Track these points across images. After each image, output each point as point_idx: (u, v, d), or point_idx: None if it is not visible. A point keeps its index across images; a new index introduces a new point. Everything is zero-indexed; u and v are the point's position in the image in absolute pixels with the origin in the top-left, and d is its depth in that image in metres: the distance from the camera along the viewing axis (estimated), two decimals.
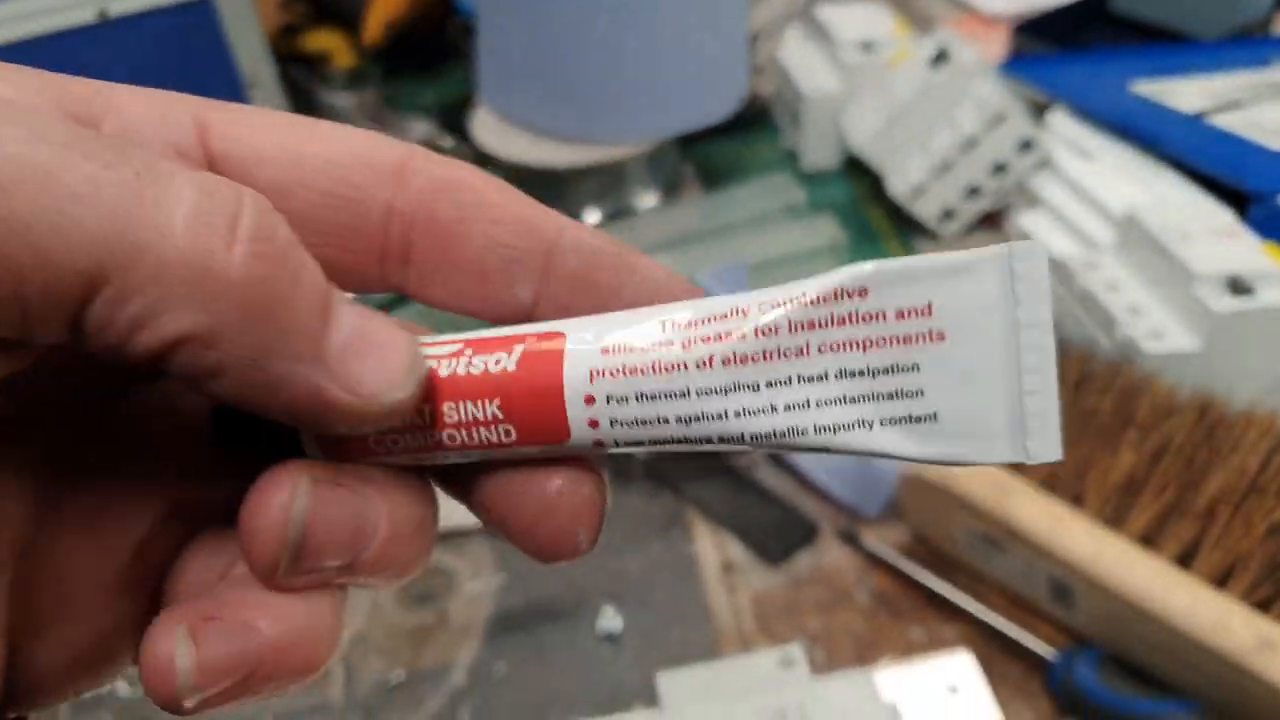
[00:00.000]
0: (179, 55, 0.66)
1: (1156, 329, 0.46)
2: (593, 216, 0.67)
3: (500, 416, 0.16)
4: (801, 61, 0.72)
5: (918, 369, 0.15)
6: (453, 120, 0.77)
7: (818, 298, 0.15)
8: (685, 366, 0.16)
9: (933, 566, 0.45)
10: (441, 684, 0.43)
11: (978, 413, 0.15)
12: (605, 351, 0.16)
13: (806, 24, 0.75)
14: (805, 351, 0.15)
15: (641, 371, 0.16)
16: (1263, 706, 0.36)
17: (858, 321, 0.15)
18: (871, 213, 0.67)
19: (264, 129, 0.17)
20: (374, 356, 0.15)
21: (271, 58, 0.71)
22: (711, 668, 0.36)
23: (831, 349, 0.15)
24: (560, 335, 0.16)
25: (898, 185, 0.62)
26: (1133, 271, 0.50)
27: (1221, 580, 0.39)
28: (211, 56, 0.68)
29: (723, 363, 0.15)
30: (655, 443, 0.16)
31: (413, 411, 0.16)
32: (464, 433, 0.16)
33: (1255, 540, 0.38)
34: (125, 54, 0.64)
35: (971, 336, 0.15)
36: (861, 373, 0.15)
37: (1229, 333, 0.45)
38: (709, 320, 0.16)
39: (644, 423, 0.16)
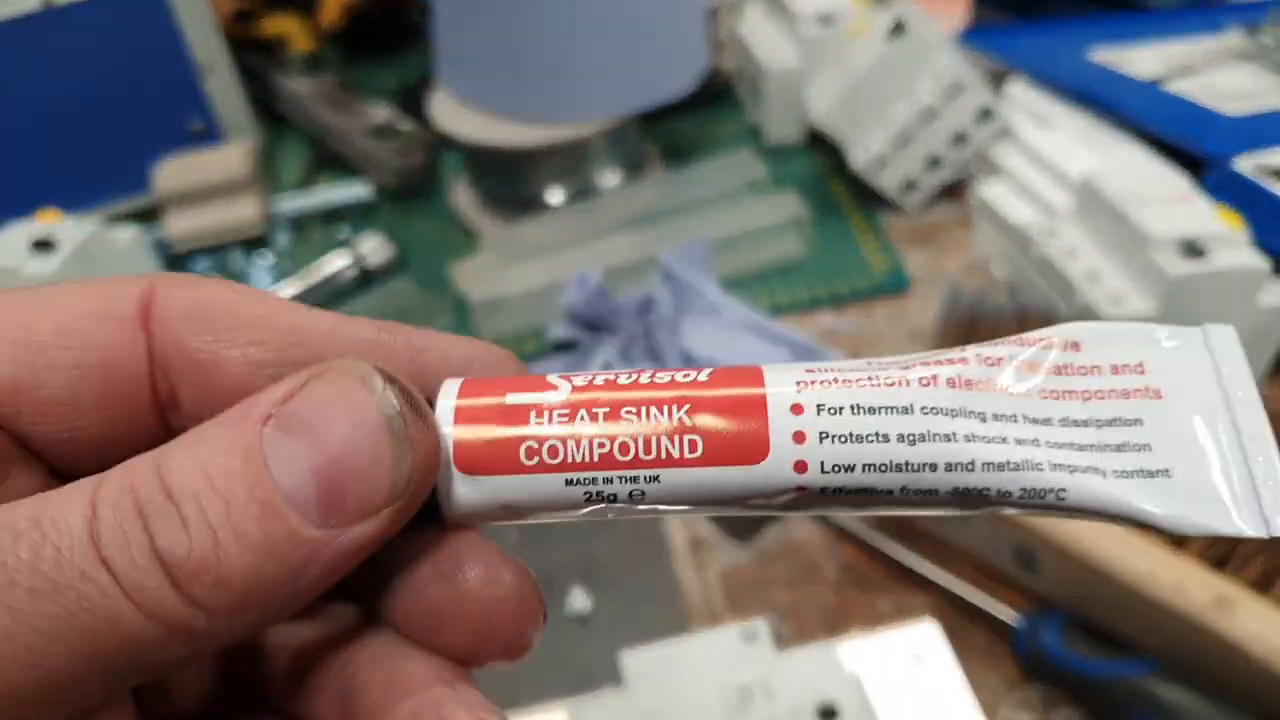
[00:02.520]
0: (129, 44, 0.65)
1: (1115, 294, 0.47)
2: (555, 196, 0.66)
3: (687, 424, 0.14)
4: (762, 36, 0.72)
5: (1140, 424, 0.15)
6: (413, 103, 0.76)
7: (1035, 339, 0.15)
8: (907, 383, 0.14)
9: (900, 537, 0.45)
10: None
11: (1210, 475, 0.14)
12: (810, 370, 0.15)
13: None
14: (1029, 394, 0.15)
15: (858, 383, 0.14)
16: (1220, 661, 0.36)
17: (1075, 373, 0.15)
18: (834, 186, 0.67)
19: None
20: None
21: (226, 44, 0.70)
22: (676, 645, 0.36)
23: (1054, 395, 0.15)
24: (754, 368, 0.15)
25: (859, 158, 0.62)
26: (1091, 237, 0.50)
27: (1178, 541, 0.39)
28: (163, 45, 0.66)
29: (948, 383, 0.14)
30: (871, 469, 0.14)
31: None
32: (639, 444, 0.14)
33: None
34: (72, 44, 0.63)
35: (1189, 399, 0.15)
36: (1085, 422, 0.15)
37: (1183, 295, 0.45)
38: (923, 360, 0.15)
39: (860, 438, 0.14)
